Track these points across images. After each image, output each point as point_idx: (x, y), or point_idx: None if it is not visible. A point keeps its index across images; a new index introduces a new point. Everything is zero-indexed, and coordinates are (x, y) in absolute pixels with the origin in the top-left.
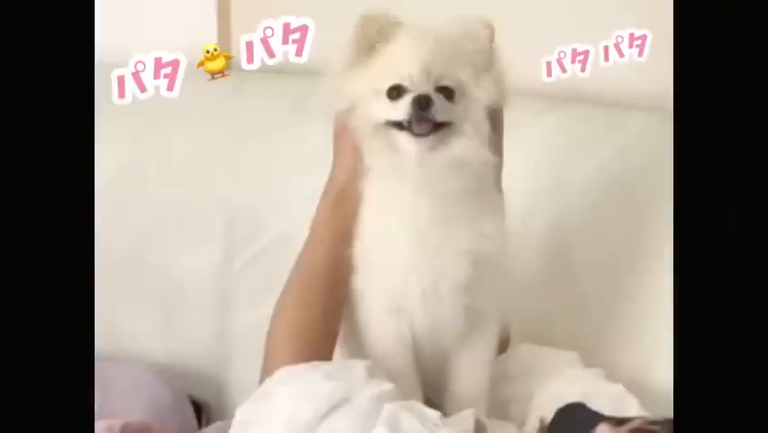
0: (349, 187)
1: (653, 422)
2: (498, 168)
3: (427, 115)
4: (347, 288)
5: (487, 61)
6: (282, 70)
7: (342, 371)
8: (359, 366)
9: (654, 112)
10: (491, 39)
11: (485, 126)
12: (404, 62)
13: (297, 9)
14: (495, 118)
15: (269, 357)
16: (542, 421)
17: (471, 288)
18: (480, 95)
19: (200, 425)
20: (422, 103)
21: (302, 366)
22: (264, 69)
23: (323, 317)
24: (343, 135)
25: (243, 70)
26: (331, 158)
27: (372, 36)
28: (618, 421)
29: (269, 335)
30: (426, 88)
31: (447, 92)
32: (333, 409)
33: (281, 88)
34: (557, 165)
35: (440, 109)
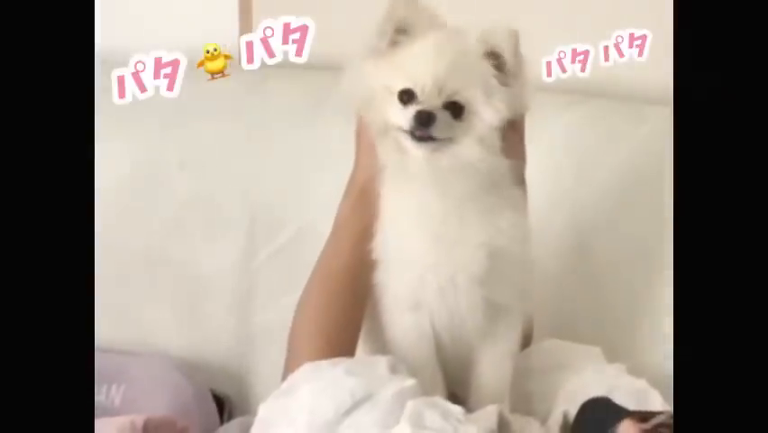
0: (370, 185)
1: None
2: (519, 166)
3: (427, 132)
4: (369, 285)
5: (509, 74)
6: (306, 64)
7: (364, 367)
8: (381, 363)
9: None
10: (516, 50)
11: (492, 140)
12: (420, 70)
13: (317, 8)
14: (514, 122)
15: (292, 354)
16: (565, 416)
17: (489, 281)
18: (489, 116)
19: (222, 420)
20: (423, 119)
21: (324, 363)
22: (286, 65)
23: (345, 313)
24: (364, 133)
25: (266, 66)
26: (352, 151)
27: (401, 19)
28: (643, 417)
29: (292, 332)
30: (435, 103)
31: (456, 108)
32: (356, 405)
33: (304, 84)
34: (579, 160)
35: (441, 127)
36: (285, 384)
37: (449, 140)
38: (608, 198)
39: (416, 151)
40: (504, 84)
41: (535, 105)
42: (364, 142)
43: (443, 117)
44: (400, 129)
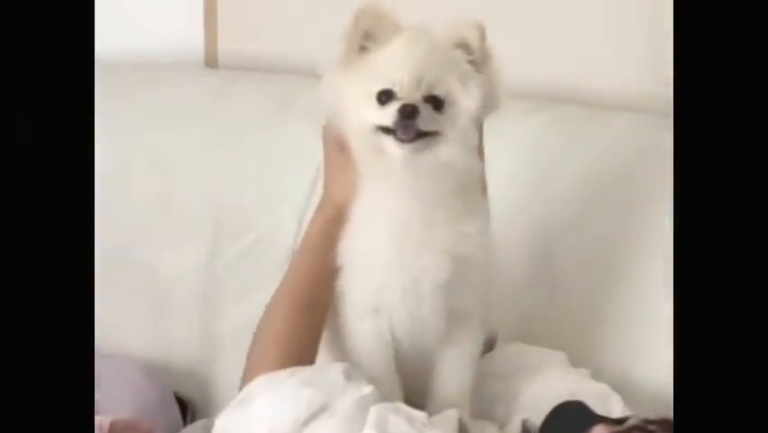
0: (345, 206)
1: (651, 421)
2: (482, 172)
3: (412, 125)
4: (331, 305)
5: (478, 66)
6: (269, 69)
7: (319, 376)
8: (336, 370)
9: (641, 113)
10: (483, 42)
11: (472, 135)
12: (396, 68)
13: (281, 9)
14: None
15: (251, 366)
16: (524, 424)
17: (452, 287)
18: (468, 104)
19: (185, 422)
20: (407, 112)
21: (280, 373)
22: (251, 68)
23: (306, 333)
24: (340, 154)
25: (233, 69)
26: (317, 156)
27: (367, 31)
28: (616, 421)
29: (252, 346)
30: (415, 97)
31: (436, 101)
32: (314, 416)
33: (269, 87)
34: (544, 165)
35: (425, 119)
36: (240, 395)
37: (430, 139)
38: (571, 203)
39: (397, 151)
40: (475, 73)
41: (500, 110)
42: (340, 161)
43: (426, 110)
44: (381, 130)
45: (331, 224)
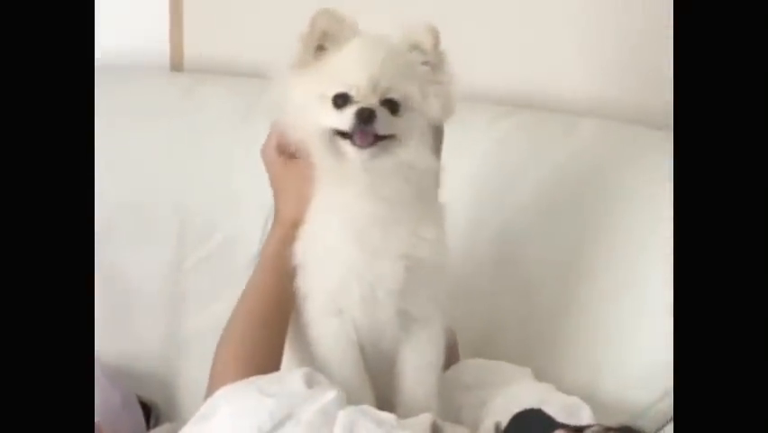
0: (300, 219)
1: (610, 429)
2: (438, 176)
3: (369, 129)
4: (294, 314)
5: (433, 69)
6: (235, 72)
7: (279, 385)
8: (296, 378)
9: (606, 119)
10: (437, 45)
11: (429, 138)
12: (352, 72)
13: (246, 13)
14: (436, 129)
15: (213, 380)
16: (497, 426)
17: (407, 292)
18: (425, 108)
19: (148, 426)
20: (365, 117)
21: (240, 384)
22: (217, 71)
23: (269, 345)
24: (288, 167)
25: (197, 72)
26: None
27: (324, 32)
28: (576, 429)
29: (214, 364)
30: (372, 101)
31: (392, 105)
32: (277, 426)
33: (234, 90)
34: (510, 171)
35: (382, 123)
36: (203, 409)
37: (387, 143)
38: (537, 209)
39: (355, 155)
40: (431, 77)
41: (464, 116)
42: (290, 177)
43: (383, 114)
44: (338, 134)
45: (285, 243)
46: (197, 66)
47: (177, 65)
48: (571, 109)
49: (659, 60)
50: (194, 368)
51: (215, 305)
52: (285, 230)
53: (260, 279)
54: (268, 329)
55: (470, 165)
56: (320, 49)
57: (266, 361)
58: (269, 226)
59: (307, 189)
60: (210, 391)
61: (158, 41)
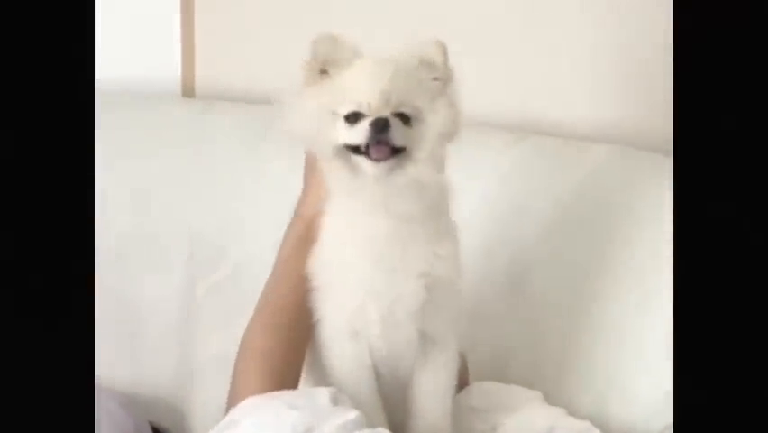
0: (315, 220)
1: None
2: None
3: (385, 138)
4: (311, 323)
5: (442, 84)
6: (246, 98)
7: (305, 400)
8: (322, 394)
9: (617, 144)
10: (446, 60)
11: (440, 151)
12: (363, 89)
13: (258, 40)
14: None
15: (236, 389)
16: None
17: (426, 312)
18: (435, 120)
19: None
20: (380, 126)
21: (266, 396)
22: (228, 97)
23: (289, 349)
24: (315, 168)
25: (207, 98)
26: (293, 185)
27: (327, 57)
28: None
29: (236, 367)
30: (385, 114)
31: (404, 118)
32: None
33: (245, 116)
34: (521, 196)
35: (397, 133)
36: (225, 419)
37: (401, 158)
38: (548, 234)
39: (371, 170)
40: (440, 91)
41: (476, 141)
42: (314, 178)
43: (396, 124)
44: (352, 150)
45: (302, 242)
46: (209, 92)
47: (188, 91)
48: (583, 135)
49: (671, 87)
50: (206, 394)
51: (227, 331)
52: (300, 229)
53: (275, 282)
54: (286, 340)
55: (483, 189)
56: (323, 73)
57: (285, 363)
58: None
59: (322, 194)
60: (231, 397)
61: (169, 68)
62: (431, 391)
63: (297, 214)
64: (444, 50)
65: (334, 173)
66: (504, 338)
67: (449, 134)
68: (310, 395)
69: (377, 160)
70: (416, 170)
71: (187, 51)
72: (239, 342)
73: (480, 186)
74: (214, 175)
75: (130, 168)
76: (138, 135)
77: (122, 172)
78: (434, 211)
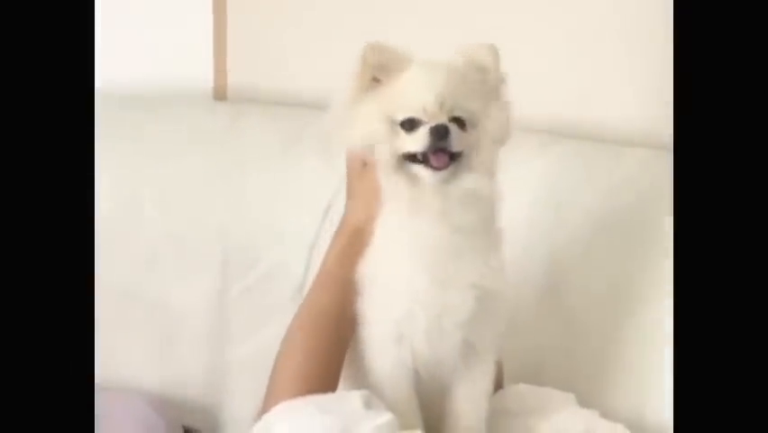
0: (365, 228)
1: None
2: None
3: (444, 145)
4: (353, 332)
5: (494, 88)
6: (278, 102)
7: (338, 404)
8: (355, 398)
9: (652, 148)
10: (498, 63)
11: (493, 158)
12: (418, 95)
13: (290, 43)
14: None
15: (272, 391)
16: None
17: (473, 323)
18: (489, 125)
19: None
20: (440, 133)
21: (299, 400)
22: (260, 100)
23: (327, 360)
24: (362, 174)
25: (241, 102)
26: (325, 188)
27: (376, 66)
28: None
29: (274, 369)
30: (441, 119)
31: (460, 123)
32: None
33: (279, 120)
34: (556, 200)
35: (456, 139)
36: (259, 424)
37: (457, 165)
38: (583, 239)
39: (430, 179)
40: (492, 96)
41: (512, 145)
42: (362, 183)
43: (455, 129)
44: (409, 159)
45: (349, 247)
46: (241, 95)
47: (220, 94)
48: (618, 139)
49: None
50: (238, 397)
51: (259, 334)
52: (348, 237)
53: (319, 289)
54: (327, 343)
55: (516, 194)
56: (375, 81)
57: (324, 377)
58: (313, 257)
59: (374, 199)
60: (267, 402)
61: (201, 70)
62: (468, 396)
63: (344, 221)
64: (496, 54)
65: (392, 182)
66: (539, 341)
67: (502, 139)
68: (343, 399)
69: (437, 168)
70: (472, 179)
71: (219, 54)
72: (271, 345)
73: (512, 191)
74: (246, 178)
75: (161, 171)
76: (170, 138)
77: (153, 175)
78: (488, 221)
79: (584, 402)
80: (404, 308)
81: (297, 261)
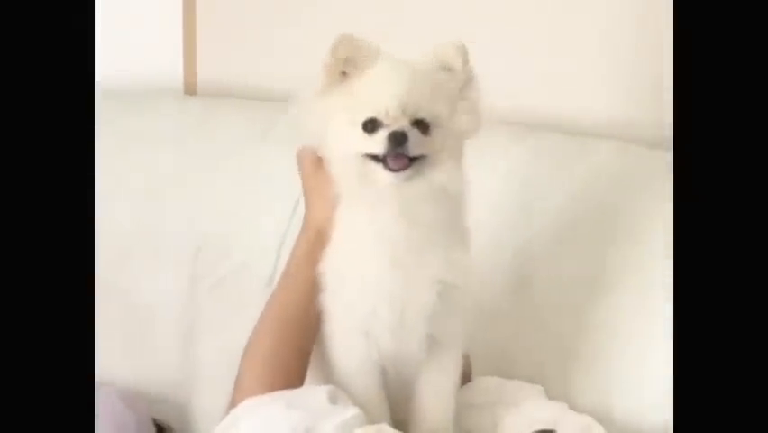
0: (327, 226)
1: None
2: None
3: (402, 151)
4: (319, 328)
5: (462, 88)
6: (249, 96)
7: (304, 399)
8: (320, 393)
9: (624, 141)
10: (465, 62)
11: (460, 156)
12: (380, 96)
13: (259, 37)
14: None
15: (239, 388)
16: None
17: (436, 318)
18: (455, 126)
19: None
20: (397, 139)
21: (266, 397)
22: (231, 95)
23: (294, 350)
24: (318, 172)
25: (210, 96)
26: (296, 183)
27: (346, 58)
28: None
29: (241, 367)
30: (402, 123)
31: (422, 125)
32: None
33: (248, 114)
34: (526, 193)
35: (414, 144)
36: (226, 420)
37: (419, 165)
38: (553, 231)
39: (388, 180)
40: (459, 94)
41: (483, 138)
42: (319, 182)
43: (414, 135)
44: (369, 158)
45: (313, 246)
46: (211, 90)
47: (190, 89)
48: (589, 131)
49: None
50: (209, 391)
51: (230, 328)
52: (311, 235)
53: (286, 287)
54: (292, 341)
55: (486, 188)
56: (343, 74)
57: (291, 368)
58: (284, 250)
59: (332, 197)
60: (234, 398)
61: (172, 65)
62: (435, 390)
63: (306, 220)
64: (464, 53)
65: (349, 180)
66: (508, 334)
67: (467, 136)
68: (309, 394)
69: (394, 170)
70: (437, 176)
71: (189, 49)
72: (242, 339)
73: (483, 183)
74: (217, 173)
75: (131, 165)
76: (140, 133)
77: (123, 170)
78: (451, 218)
79: (552, 395)
80: (367, 304)
81: (267, 254)
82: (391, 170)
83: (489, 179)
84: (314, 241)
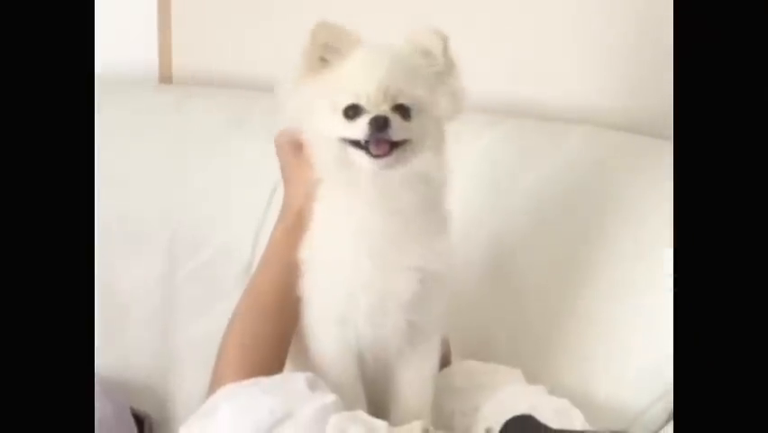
0: (306, 209)
1: None
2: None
3: (384, 136)
4: (298, 315)
5: (442, 73)
6: (224, 84)
7: (282, 385)
8: (299, 379)
9: (596, 126)
10: (446, 49)
11: (442, 141)
12: (360, 82)
13: (234, 26)
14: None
15: (218, 375)
16: (488, 432)
17: (416, 304)
18: (436, 110)
19: None
20: (379, 124)
21: (244, 382)
22: (206, 83)
23: (273, 336)
24: (297, 157)
25: (187, 84)
26: (270, 170)
27: (325, 44)
28: None
29: (219, 353)
30: (383, 108)
31: (403, 110)
32: (276, 424)
33: (224, 102)
34: (500, 179)
35: (397, 129)
36: (204, 406)
37: (401, 151)
38: (527, 217)
39: (369, 166)
40: (439, 78)
41: (456, 124)
42: (297, 166)
43: (396, 120)
44: (350, 144)
45: (292, 230)
46: (186, 78)
47: (165, 77)
48: (561, 117)
49: (649, 68)
50: (187, 379)
51: (208, 316)
52: (290, 219)
53: (265, 269)
54: (273, 320)
55: (460, 173)
56: (322, 61)
57: (270, 354)
58: (261, 237)
59: (310, 181)
60: (213, 384)
61: (146, 53)
62: (414, 375)
63: (285, 206)
64: (444, 40)
65: (330, 167)
66: (486, 318)
67: (448, 119)
68: (287, 380)
69: (376, 156)
70: (419, 162)
71: (164, 38)
72: (220, 326)
73: (458, 169)
74: (192, 161)
75: (109, 154)
76: (115, 122)
77: (100, 159)
78: (431, 204)
79: (531, 378)
80: (345, 290)
81: (243, 243)
82: (374, 155)
83: (462, 164)
84: (292, 226)
